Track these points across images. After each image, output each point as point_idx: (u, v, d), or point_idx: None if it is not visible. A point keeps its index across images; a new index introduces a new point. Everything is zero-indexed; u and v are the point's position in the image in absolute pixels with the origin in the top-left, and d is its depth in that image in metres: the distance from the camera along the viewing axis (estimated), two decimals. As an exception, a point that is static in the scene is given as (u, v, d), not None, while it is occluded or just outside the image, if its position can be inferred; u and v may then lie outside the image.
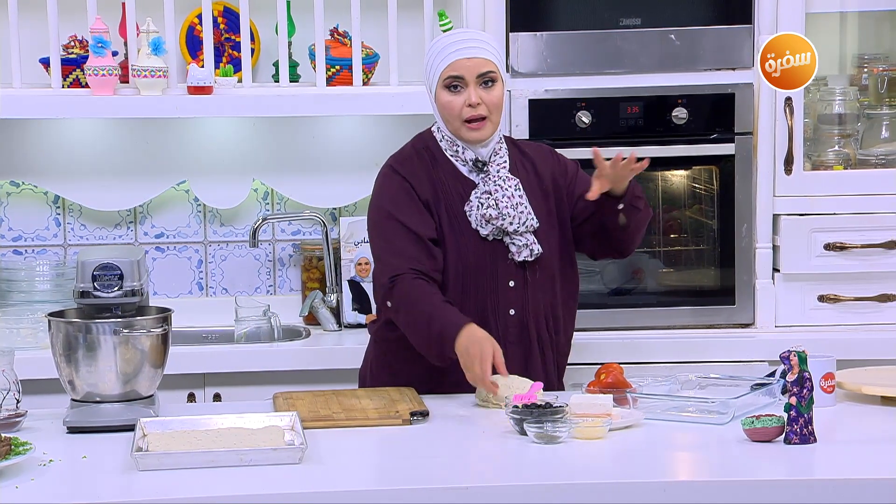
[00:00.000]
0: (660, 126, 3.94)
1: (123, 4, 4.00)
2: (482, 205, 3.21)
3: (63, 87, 3.98)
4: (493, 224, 3.21)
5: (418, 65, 4.06)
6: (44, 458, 2.65)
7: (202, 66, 3.98)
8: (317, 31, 4.01)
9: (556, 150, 3.42)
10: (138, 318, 2.94)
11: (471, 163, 3.25)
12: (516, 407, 2.82)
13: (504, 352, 3.08)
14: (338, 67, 4.05)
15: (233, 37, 4.17)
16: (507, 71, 3.89)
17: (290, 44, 4.09)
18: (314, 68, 4.05)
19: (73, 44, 4.11)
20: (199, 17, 4.06)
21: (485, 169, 3.25)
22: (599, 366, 3.11)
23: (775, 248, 3.99)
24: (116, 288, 2.93)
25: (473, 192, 3.24)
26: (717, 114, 3.94)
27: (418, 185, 3.23)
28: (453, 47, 3.21)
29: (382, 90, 4.03)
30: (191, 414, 3.00)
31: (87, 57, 3.95)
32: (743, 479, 2.56)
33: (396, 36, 4.01)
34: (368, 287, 4.10)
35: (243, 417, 2.86)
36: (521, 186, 3.24)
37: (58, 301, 3.93)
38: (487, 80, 3.21)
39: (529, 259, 3.22)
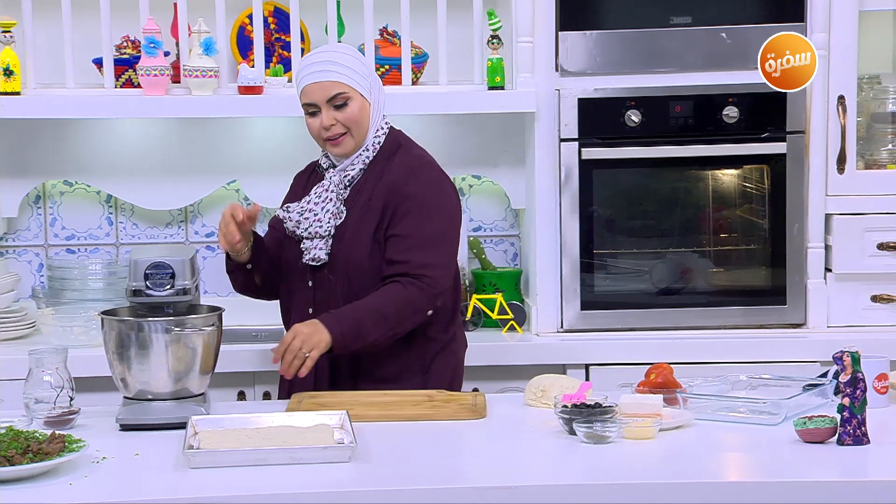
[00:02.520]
0: (710, 125, 3.92)
1: (175, 5, 4.03)
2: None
3: (115, 87, 4.01)
4: (284, 223, 3.33)
5: (468, 64, 4.08)
6: (97, 455, 2.67)
7: (253, 66, 3.99)
8: (366, 31, 4.02)
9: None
10: (190, 316, 2.96)
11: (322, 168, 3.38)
12: (566, 407, 2.82)
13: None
14: (387, 67, 4.06)
15: (283, 37, 4.18)
16: (556, 70, 3.89)
17: (339, 43, 4.10)
18: (364, 68, 4.06)
19: (125, 44, 4.14)
20: (250, 17, 4.08)
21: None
22: (649, 366, 3.10)
23: (827, 248, 3.96)
24: (168, 286, 2.95)
25: None
26: (769, 112, 3.92)
27: (301, 178, 3.46)
28: (304, 72, 3.30)
29: (432, 89, 4.03)
30: (241, 412, 3.02)
31: (139, 57, 3.98)
32: (795, 481, 2.54)
33: (446, 35, 4.01)
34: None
35: (293, 416, 2.87)
36: (325, 196, 3.27)
37: (110, 299, 3.95)
38: (338, 102, 3.25)
39: (313, 264, 3.28)
